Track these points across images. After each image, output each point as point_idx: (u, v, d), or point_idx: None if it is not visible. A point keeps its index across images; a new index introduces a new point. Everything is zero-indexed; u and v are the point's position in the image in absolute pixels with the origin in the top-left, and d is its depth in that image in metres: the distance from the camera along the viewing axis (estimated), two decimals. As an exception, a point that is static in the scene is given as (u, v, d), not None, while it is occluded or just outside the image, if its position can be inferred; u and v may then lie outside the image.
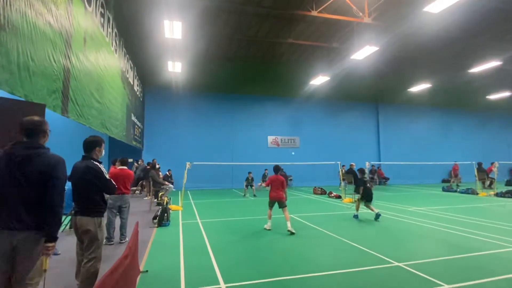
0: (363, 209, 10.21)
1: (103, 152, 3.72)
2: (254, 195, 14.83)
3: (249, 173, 15.86)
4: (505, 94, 21.03)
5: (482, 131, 25.86)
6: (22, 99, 3.26)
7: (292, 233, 6.72)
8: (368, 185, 8.82)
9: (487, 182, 16.50)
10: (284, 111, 21.24)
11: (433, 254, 5.30)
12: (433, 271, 4.39)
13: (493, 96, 21.95)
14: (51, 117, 4.43)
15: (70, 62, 4.77)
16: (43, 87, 3.78)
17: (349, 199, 12.71)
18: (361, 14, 10.98)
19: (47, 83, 3.90)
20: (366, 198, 8.64)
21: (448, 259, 5.02)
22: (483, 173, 16.18)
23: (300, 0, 11.03)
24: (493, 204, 11.81)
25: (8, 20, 2.93)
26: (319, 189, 16.05)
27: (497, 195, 14.26)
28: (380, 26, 12.18)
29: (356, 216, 8.62)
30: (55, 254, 5.18)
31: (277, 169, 7.79)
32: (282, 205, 7.24)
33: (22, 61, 3.23)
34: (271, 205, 7.36)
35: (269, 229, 7.17)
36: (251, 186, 15.41)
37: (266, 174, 15.74)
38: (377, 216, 8.23)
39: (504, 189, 15.29)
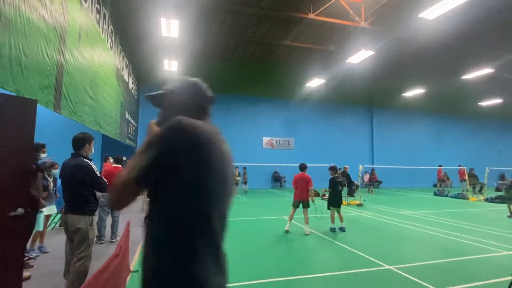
0: (356, 211, 10.27)
1: (93, 149, 3.66)
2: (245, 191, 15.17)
3: (244, 168, 16.14)
4: (496, 101, 21.39)
5: (473, 137, 26.24)
6: (13, 94, 3.20)
7: (306, 234, 6.86)
8: (339, 187, 7.68)
9: (478, 187, 16.74)
10: (279, 112, 21.27)
11: (424, 258, 5.35)
12: (424, 275, 4.43)
13: (485, 103, 22.32)
14: (43, 113, 4.36)
15: (64, 57, 4.70)
16: (35, 82, 3.71)
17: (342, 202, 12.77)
18: (357, 18, 11.07)
19: (40, 78, 3.83)
20: (333, 203, 7.62)
21: (439, 263, 5.07)
22: (474, 178, 16.42)
23: (298, 3, 11.09)
24: (483, 209, 11.99)
25: (0, 13, 2.87)
26: (313, 191, 16.09)
27: (487, 200, 14.47)
28: (376, 31, 12.31)
29: (333, 229, 7.36)
30: (44, 252, 5.10)
31: (303, 167, 7.51)
32: (305, 205, 7.14)
33: (14, 55, 3.17)
34: (296, 205, 7.23)
35: (287, 230, 7.08)
36: (245, 183, 15.88)
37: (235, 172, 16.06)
38: (333, 229, 7.36)
39: (494, 194, 15.53)
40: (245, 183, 16.21)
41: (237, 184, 15.58)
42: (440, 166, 20.03)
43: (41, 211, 4.92)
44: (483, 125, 26.71)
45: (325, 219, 8.52)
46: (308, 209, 7.25)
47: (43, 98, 3.96)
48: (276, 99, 21.00)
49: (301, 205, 7.25)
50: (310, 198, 7.19)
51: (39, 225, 4.96)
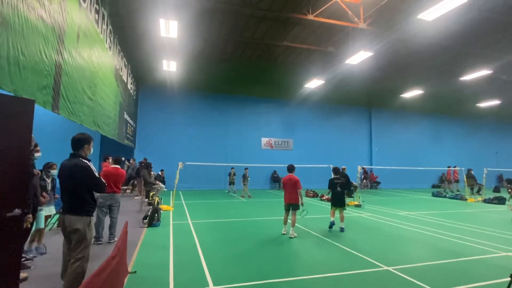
0: (355, 212, 10.29)
1: (92, 150, 3.64)
2: (249, 196, 14.80)
3: (232, 169, 16.05)
4: (494, 102, 21.47)
5: (471, 138, 26.33)
6: (11, 94, 3.19)
7: (291, 237, 6.69)
8: (338, 189, 7.87)
9: (476, 188, 16.78)
10: (278, 113, 21.29)
11: (422, 259, 5.36)
12: (422, 275, 4.43)
13: (483, 104, 22.40)
14: (42, 113, 4.34)
15: (62, 57, 4.68)
16: (34, 82, 3.70)
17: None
18: (356, 19, 11.09)
19: (38, 78, 3.82)
20: (332, 202, 7.92)
21: (437, 264, 5.08)
22: (472, 179, 16.45)
23: (297, 4, 11.10)
24: (481, 210, 12.02)
25: (-2, 13, 2.86)
26: (311, 192, 16.11)
27: (485, 201, 14.51)
28: (375, 32, 12.33)
29: (332, 223, 7.66)
30: (41, 253, 5.07)
31: (291, 168, 7.28)
32: (294, 208, 6.89)
33: (12, 56, 3.15)
34: (287, 209, 6.99)
35: (285, 234, 6.95)
36: (233, 183, 15.81)
37: (246, 174, 15.40)
38: (332, 223, 7.69)
39: (492, 195, 15.57)
40: (233, 183, 15.95)
41: (245, 185, 15.17)
42: (449, 167, 20.20)
43: (41, 209, 4.94)
44: (481, 126, 26.80)
45: (325, 220, 8.56)
46: (297, 210, 7.00)
47: (41, 98, 3.94)
48: (275, 100, 21.03)
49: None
50: (300, 201, 6.95)
51: (40, 223, 5.00)
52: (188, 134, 18.93)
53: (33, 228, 4.81)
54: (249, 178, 15.27)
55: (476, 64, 15.22)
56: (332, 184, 7.99)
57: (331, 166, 13.97)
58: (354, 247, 5.99)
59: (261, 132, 20.84)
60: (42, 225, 5.08)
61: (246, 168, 15.50)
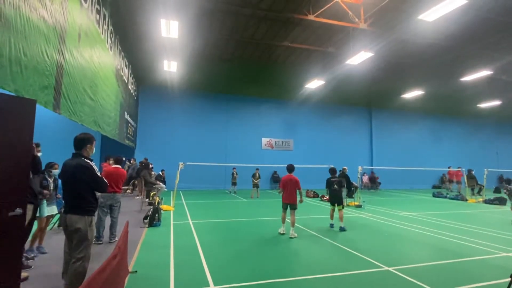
0: (355, 212, 10.30)
1: (94, 150, 3.65)
2: (251, 197, 14.79)
3: (233, 169, 16.11)
4: (495, 103, 21.47)
5: (472, 139, 26.30)
6: (13, 94, 3.20)
7: (291, 237, 6.70)
8: (335, 186, 8.12)
9: (476, 189, 16.76)
10: (279, 113, 21.29)
11: (423, 259, 5.36)
12: (422, 276, 4.43)
13: (484, 105, 22.40)
14: (43, 113, 4.36)
15: (63, 58, 4.70)
16: (35, 82, 3.71)
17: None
18: (357, 19, 11.10)
19: (39, 78, 3.83)
20: (331, 200, 8.18)
21: (437, 264, 5.08)
22: (473, 180, 16.43)
23: (297, 4, 11.11)
24: (482, 210, 12.01)
25: (0, 14, 2.87)
26: (312, 192, 16.10)
27: (485, 202, 14.49)
28: (375, 32, 12.34)
29: (331, 225, 7.94)
30: (42, 253, 5.08)
31: (290, 168, 7.33)
32: (292, 207, 6.95)
33: (14, 55, 3.17)
34: (284, 207, 7.09)
35: (283, 233, 6.98)
36: (235, 184, 15.90)
37: (257, 174, 15.25)
38: (332, 225, 7.95)
39: (492, 196, 15.55)
40: (235, 184, 16.02)
41: (257, 187, 14.85)
42: (459, 167, 20.24)
43: (43, 199, 5.02)
44: (482, 127, 26.78)
45: (325, 220, 8.58)
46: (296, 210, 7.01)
47: (43, 98, 3.96)
48: (276, 100, 21.03)
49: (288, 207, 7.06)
50: (299, 201, 6.98)
51: (43, 211, 5.06)
52: (188, 134, 18.94)
53: (34, 228, 4.83)
54: (259, 179, 15.12)
55: (476, 64, 15.23)
56: (329, 183, 8.31)
57: (331, 166, 13.98)
58: (354, 247, 6.00)
59: (262, 132, 20.84)
60: (45, 214, 5.13)
61: (257, 169, 15.31)
